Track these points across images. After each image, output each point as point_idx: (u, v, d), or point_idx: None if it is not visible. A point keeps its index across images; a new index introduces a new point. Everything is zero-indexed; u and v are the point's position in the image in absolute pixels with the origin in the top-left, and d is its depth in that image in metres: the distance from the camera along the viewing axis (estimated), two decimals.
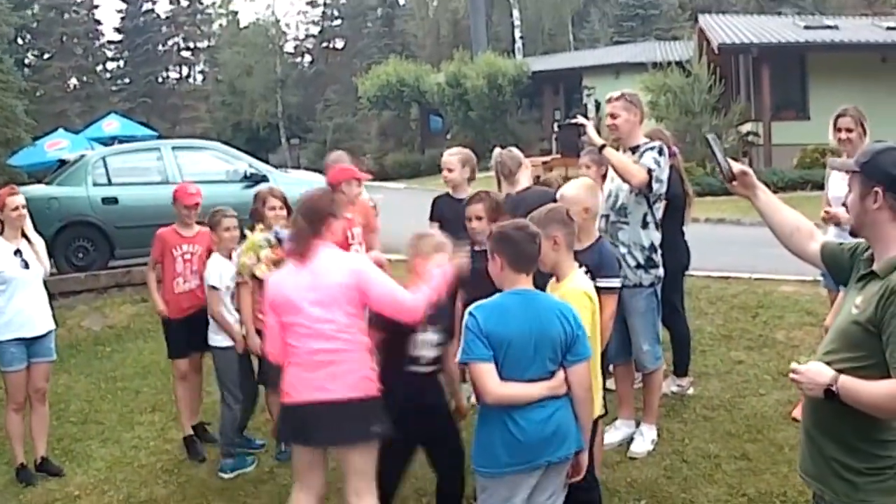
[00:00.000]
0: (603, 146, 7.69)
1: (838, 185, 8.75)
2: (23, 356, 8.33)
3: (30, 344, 8.38)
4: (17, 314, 8.25)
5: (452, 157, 9.08)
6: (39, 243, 8.70)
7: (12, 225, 8.48)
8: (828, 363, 4.13)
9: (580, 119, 7.97)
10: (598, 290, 6.17)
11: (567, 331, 5.29)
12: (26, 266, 8.41)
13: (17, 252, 8.39)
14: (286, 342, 5.99)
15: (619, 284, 6.93)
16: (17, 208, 8.50)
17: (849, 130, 9.12)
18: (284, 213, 7.88)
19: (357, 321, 5.91)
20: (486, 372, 5.19)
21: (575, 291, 5.76)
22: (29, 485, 8.32)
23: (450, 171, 8.98)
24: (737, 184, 4.63)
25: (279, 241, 7.33)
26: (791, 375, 4.24)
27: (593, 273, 6.41)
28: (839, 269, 4.47)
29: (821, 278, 9.00)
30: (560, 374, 5.32)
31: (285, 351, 6.00)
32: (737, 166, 4.61)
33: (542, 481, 5.41)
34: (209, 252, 8.53)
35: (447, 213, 8.77)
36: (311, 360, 5.87)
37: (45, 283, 8.66)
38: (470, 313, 5.29)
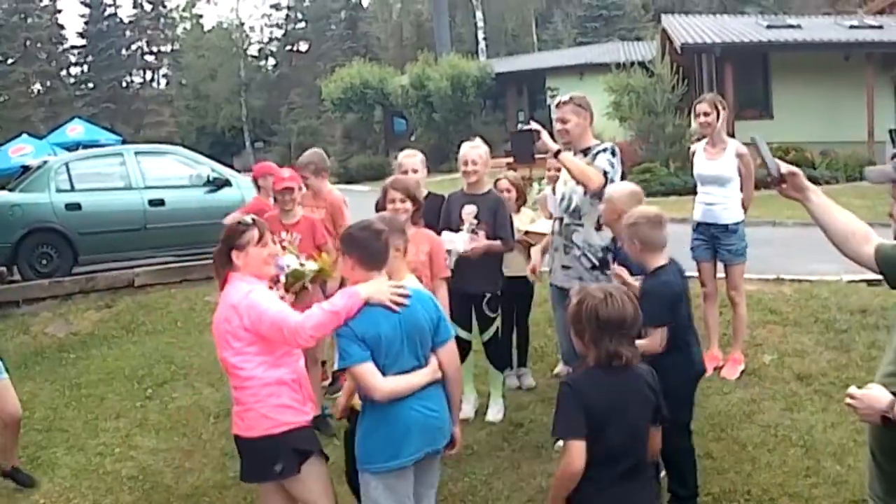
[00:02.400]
0: (558, 151, 7.73)
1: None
2: None
3: None
4: None
5: (412, 158, 9.13)
6: None
7: None
8: (887, 385, 4.00)
9: (534, 125, 7.96)
10: None
11: (432, 316, 5.50)
12: None
13: None
14: None
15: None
16: None
17: (706, 114, 9.48)
18: (408, 205, 7.43)
19: (252, 357, 5.73)
20: (369, 372, 5.29)
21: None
22: None
23: (414, 171, 9.02)
24: (786, 186, 4.48)
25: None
26: (847, 400, 4.11)
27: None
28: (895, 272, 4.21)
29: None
30: (433, 360, 5.50)
31: None
32: (785, 167, 4.46)
33: (425, 471, 5.64)
34: (314, 240, 8.63)
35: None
36: (233, 395, 5.92)
37: (5, 291, 8.58)
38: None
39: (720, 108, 9.56)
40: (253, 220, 6.11)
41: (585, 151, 7.83)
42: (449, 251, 8.24)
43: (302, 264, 8.11)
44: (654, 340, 6.24)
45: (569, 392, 4.83)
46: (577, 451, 4.69)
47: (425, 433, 5.47)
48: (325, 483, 5.99)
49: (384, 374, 5.32)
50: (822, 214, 4.46)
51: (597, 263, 7.79)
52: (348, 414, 6.27)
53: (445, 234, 8.45)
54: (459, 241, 8.40)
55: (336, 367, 5.54)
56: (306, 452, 5.80)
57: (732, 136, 25.00)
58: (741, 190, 9.57)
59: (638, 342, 5.35)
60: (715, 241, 9.38)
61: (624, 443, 4.78)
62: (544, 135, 7.82)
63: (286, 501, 5.98)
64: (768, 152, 4.54)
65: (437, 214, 8.76)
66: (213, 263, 6.08)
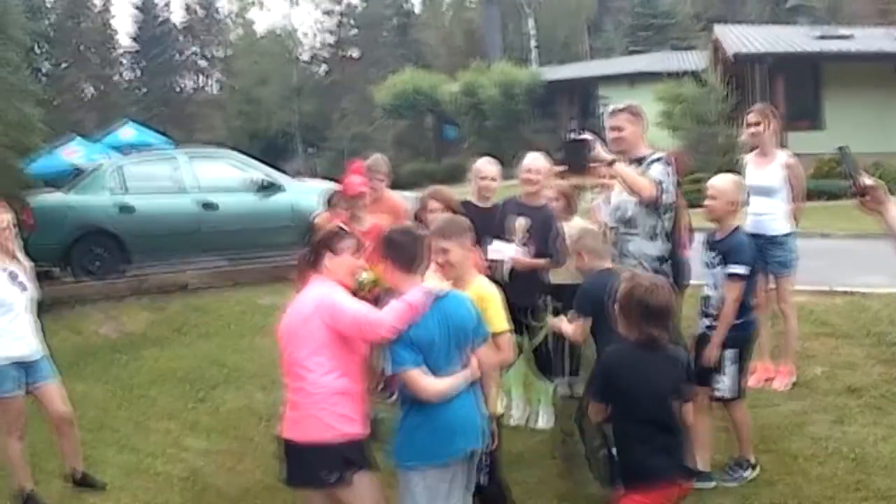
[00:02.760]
0: (612, 161, 7.69)
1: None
2: (22, 381, 7.97)
3: (28, 368, 8.02)
4: (15, 338, 7.91)
5: (493, 166, 9.16)
6: (27, 265, 8.32)
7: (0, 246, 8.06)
8: None
9: (587, 135, 7.93)
10: (727, 275, 7.04)
11: (473, 317, 5.71)
12: (24, 288, 8.10)
13: (13, 274, 8.03)
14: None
15: (744, 271, 7.17)
16: (6, 227, 8.04)
17: (756, 125, 9.43)
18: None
19: (325, 362, 5.79)
20: (420, 375, 5.49)
21: (485, 291, 6.26)
22: None
23: (493, 179, 9.05)
24: (868, 199, 4.54)
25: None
26: None
27: (725, 259, 7.17)
28: None
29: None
30: (474, 359, 5.67)
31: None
32: (868, 180, 4.50)
33: (462, 472, 5.77)
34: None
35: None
36: (288, 398, 5.94)
37: (58, 291, 8.56)
38: None
39: (769, 118, 9.49)
40: (349, 230, 6.31)
41: (640, 161, 7.77)
42: (497, 260, 8.31)
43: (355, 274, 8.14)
44: (576, 329, 7.23)
45: (604, 364, 5.96)
46: (595, 409, 5.96)
47: (467, 432, 5.63)
48: (375, 493, 6.04)
49: (434, 375, 5.48)
50: None
51: (651, 271, 7.76)
52: None
53: (496, 242, 8.47)
54: (509, 251, 8.42)
55: (388, 371, 5.54)
56: (357, 464, 5.82)
57: (784, 146, 24.83)
58: (792, 201, 9.50)
59: (563, 327, 7.28)
60: (764, 252, 9.29)
61: (649, 410, 5.60)
62: (598, 144, 7.80)
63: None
64: (853, 164, 4.59)
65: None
66: (298, 261, 6.18)
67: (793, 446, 8.04)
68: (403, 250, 5.73)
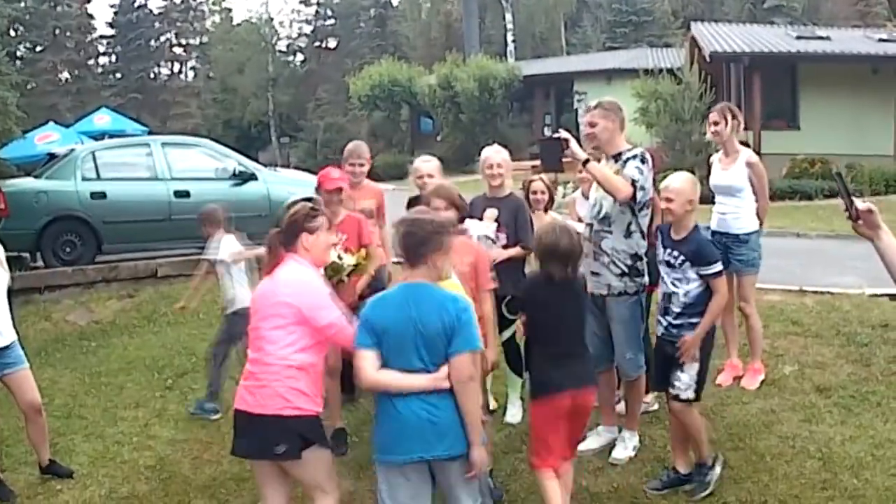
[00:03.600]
0: (586, 161, 7.69)
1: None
2: None
3: None
4: None
5: (429, 164, 9.15)
6: None
7: None
8: None
9: (563, 133, 7.92)
10: (705, 277, 7.02)
11: (446, 322, 5.44)
12: None
13: None
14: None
15: (718, 269, 7.14)
16: None
17: (715, 123, 9.39)
18: (451, 214, 7.32)
19: (286, 336, 5.87)
20: (364, 358, 5.48)
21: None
22: (4, 501, 8.02)
23: (430, 176, 9.02)
24: (861, 223, 4.56)
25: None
26: None
27: (692, 263, 7.09)
28: None
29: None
30: (444, 368, 5.46)
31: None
32: (863, 205, 4.52)
33: (439, 481, 5.65)
34: (359, 240, 8.54)
35: None
36: (246, 370, 5.99)
37: (28, 277, 8.48)
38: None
39: (729, 117, 9.44)
40: (319, 207, 6.36)
41: (616, 157, 7.77)
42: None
43: (340, 258, 8.12)
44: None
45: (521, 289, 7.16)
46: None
47: (419, 436, 5.46)
48: (328, 469, 6.11)
49: (386, 366, 5.46)
50: (889, 254, 4.54)
51: (626, 270, 7.73)
52: None
53: (467, 221, 8.46)
54: (479, 228, 8.43)
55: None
56: (309, 440, 5.86)
57: (759, 146, 24.75)
58: (756, 200, 9.50)
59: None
60: (728, 250, 9.27)
61: (548, 332, 6.65)
62: (573, 143, 7.77)
63: (281, 478, 6.04)
64: (848, 189, 4.61)
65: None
66: (268, 242, 6.18)
67: (761, 444, 8.06)
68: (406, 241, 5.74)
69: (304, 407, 5.86)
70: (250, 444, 5.92)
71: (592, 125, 7.85)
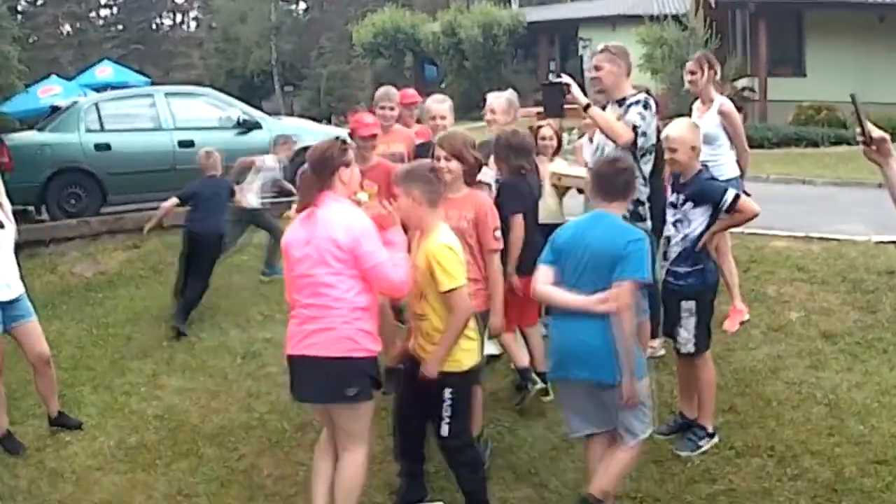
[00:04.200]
0: (587, 106, 7.71)
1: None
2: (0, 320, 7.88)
3: (6, 307, 7.87)
4: None
5: (443, 104, 9.16)
6: (6, 203, 8.23)
7: None
8: None
9: (564, 78, 7.91)
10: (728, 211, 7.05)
11: (615, 251, 5.83)
12: (1, 226, 7.96)
13: None
14: (292, 294, 6.07)
15: (731, 196, 7.05)
16: None
17: (692, 73, 9.41)
18: (453, 165, 7.19)
19: (346, 280, 5.88)
20: (540, 270, 6.15)
21: (438, 246, 5.98)
22: (14, 454, 8.01)
23: (443, 118, 9.05)
24: (874, 149, 4.60)
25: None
26: None
27: (695, 203, 7.13)
28: None
29: None
30: (605, 293, 5.75)
31: (293, 302, 6.07)
32: (877, 132, 4.57)
33: (595, 405, 6.05)
34: (388, 189, 8.37)
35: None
36: (300, 314, 5.95)
37: (34, 230, 8.39)
38: None
39: (706, 67, 9.41)
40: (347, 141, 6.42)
41: (620, 102, 7.78)
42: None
43: (355, 193, 8.08)
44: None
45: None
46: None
47: (574, 357, 5.96)
48: (371, 417, 6.16)
49: (560, 284, 6.05)
50: (894, 182, 4.61)
51: (627, 215, 7.72)
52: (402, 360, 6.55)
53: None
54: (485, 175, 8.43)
55: None
56: (378, 382, 6.02)
57: (765, 93, 24.59)
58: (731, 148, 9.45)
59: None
60: None
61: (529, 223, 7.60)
62: (574, 88, 7.78)
63: (331, 425, 6.14)
64: (862, 113, 4.65)
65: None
66: (303, 182, 6.24)
67: (767, 390, 8.09)
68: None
69: (371, 347, 5.97)
70: (319, 390, 5.97)
71: (598, 69, 7.87)
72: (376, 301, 6.10)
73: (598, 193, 6.22)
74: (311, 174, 6.09)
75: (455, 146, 7.03)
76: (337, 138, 6.35)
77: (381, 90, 10.18)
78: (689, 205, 7.12)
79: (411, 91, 10.74)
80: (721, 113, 9.35)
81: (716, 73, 9.51)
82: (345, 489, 6.03)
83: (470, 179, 7.12)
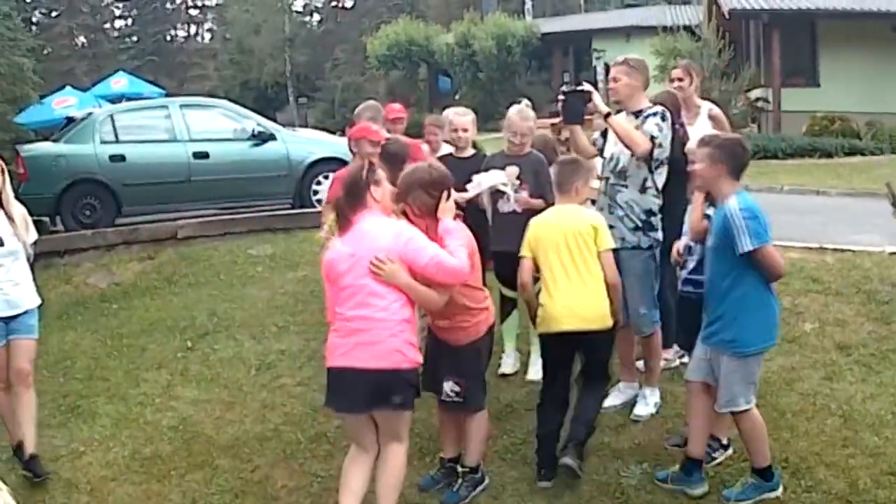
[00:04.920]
0: (608, 114, 7.72)
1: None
2: (2, 333, 7.76)
3: (8, 321, 7.77)
4: None
5: (465, 117, 9.23)
6: (21, 213, 8.06)
7: None
8: None
9: (586, 86, 7.94)
10: None
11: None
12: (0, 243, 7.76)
13: None
14: (334, 308, 6.18)
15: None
16: None
17: (679, 80, 9.58)
18: None
19: (393, 291, 6.04)
20: (776, 250, 6.43)
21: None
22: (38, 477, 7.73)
23: (465, 130, 9.11)
24: None
25: None
26: None
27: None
28: None
29: None
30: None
31: (334, 316, 6.18)
32: None
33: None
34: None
35: (452, 171, 8.97)
36: (345, 327, 6.07)
37: (48, 241, 8.26)
38: (742, 208, 6.31)
39: (693, 74, 9.64)
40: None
41: (637, 114, 7.82)
42: (477, 194, 8.55)
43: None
44: None
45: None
46: None
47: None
48: (410, 418, 6.44)
49: None
50: None
51: (639, 225, 7.75)
52: None
53: (475, 176, 8.52)
54: (490, 178, 8.47)
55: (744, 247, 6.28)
56: (418, 390, 6.26)
57: (779, 104, 24.61)
58: None
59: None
60: None
61: None
62: (595, 96, 7.82)
63: (371, 425, 6.29)
64: None
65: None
66: (339, 204, 6.34)
67: (782, 401, 8.07)
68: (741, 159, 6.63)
69: (415, 358, 6.16)
70: (362, 399, 6.09)
71: (616, 80, 7.90)
72: (415, 314, 6.29)
73: (733, 173, 6.53)
74: (343, 199, 6.24)
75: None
76: (365, 161, 6.63)
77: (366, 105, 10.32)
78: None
79: (397, 105, 10.73)
80: (712, 118, 9.45)
81: (699, 84, 9.76)
82: (391, 481, 6.27)
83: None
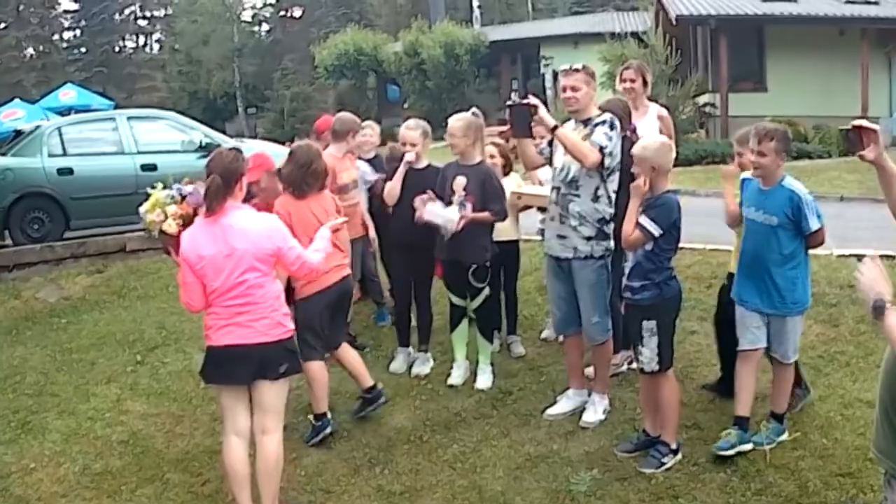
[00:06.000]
0: (555, 127, 7.70)
1: None
2: None
3: None
4: None
5: (414, 131, 9.23)
6: None
7: None
8: None
9: (532, 99, 7.89)
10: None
11: None
12: None
13: None
14: (205, 292, 6.43)
15: (653, 229, 7.10)
16: None
17: (632, 81, 9.63)
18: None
19: (266, 276, 6.48)
20: None
21: None
22: None
23: (413, 145, 9.14)
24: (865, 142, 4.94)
25: (182, 197, 7.19)
26: (859, 267, 4.30)
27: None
28: None
29: None
30: None
31: (205, 301, 6.45)
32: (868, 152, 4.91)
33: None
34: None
35: (408, 183, 9.07)
36: (226, 310, 6.39)
37: None
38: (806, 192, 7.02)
39: (643, 75, 9.72)
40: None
41: (586, 122, 7.82)
42: (440, 226, 8.69)
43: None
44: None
45: None
46: None
47: None
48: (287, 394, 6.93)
49: None
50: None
51: (593, 234, 7.75)
52: None
53: (437, 207, 8.59)
54: (452, 216, 8.55)
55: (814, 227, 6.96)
56: (297, 356, 6.76)
57: (726, 109, 24.76)
58: None
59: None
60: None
61: None
62: (541, 109, 7.77)
63: (247, 401, 6.66)
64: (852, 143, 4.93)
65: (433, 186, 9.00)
66: (212, 191, 6.44)
67: (730, 405, 8.08)
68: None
69: (291, 327, 6.73)
70: (248, 371, 6.49)
71: (575, 89, 7.84)
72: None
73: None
74: (218, 181, 6.43)
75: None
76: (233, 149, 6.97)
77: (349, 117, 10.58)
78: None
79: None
80: (660, 118, 9.55)
81: (649, 84, 9.81)
82: (272, 468, 6.68)
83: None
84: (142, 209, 7.32)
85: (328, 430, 8.10)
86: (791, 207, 6.93)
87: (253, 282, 6.36)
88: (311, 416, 8.19)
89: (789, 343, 7.30)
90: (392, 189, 9.21)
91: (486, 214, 8.68)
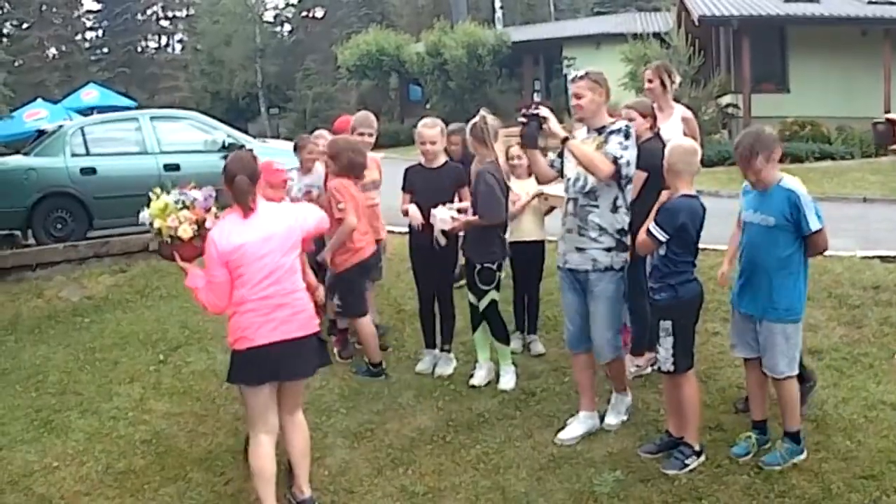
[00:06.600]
0: (566, 139, 7.57)
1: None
2: None
3: None
4: None
5: (433, 129, 9.22)
6: None
7: None
8: None
9: (542, 111, 7.74)
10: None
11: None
12: None
13: None
14: (232, 290, 6.51)
15: (661, 236, 7.14)
16: None
17: (650, 81, 9.60)
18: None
19: (296, 261, 6.74)
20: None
21: None
22: None
23: (432, 143, 9.13)
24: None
25: (193, 201, 7.14)
26: None
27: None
28: None
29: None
30: None
31: (230, 300, 6.52)
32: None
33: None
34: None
35: (419, 183, 9.09)
36: (263, 304, 6.46)
37: (20, 255, 8.34)
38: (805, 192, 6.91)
39: (666, 77, 9.61)
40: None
41: (600, 130, 7.62)
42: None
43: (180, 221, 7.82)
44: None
45: None
46: None
47: None
48: None
49: None
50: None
51: (612, 245, 7.58)
52: None
53: (439, 210, 8.69)
54: (443, 216, 8.80)
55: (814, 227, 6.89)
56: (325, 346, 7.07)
57: (749, 110, 24.68)
58: None
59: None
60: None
61: None
62: (552, 121, 7.59)
63: (277, 422, 6.80)
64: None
65: (457, 181, 9.38)
66: (245, 191, 6.61)
67: None
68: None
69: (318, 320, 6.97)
70: (300, 365, 6.75)
71: (579, 97, 7.66)
72: None
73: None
74: (245, 180, 6.62)
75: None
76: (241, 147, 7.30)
77: (360, 115, 10.77)
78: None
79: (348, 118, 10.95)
80: (684, 120, 9.49)
81: (673, 84, 9.69)
82: (307, 444, 7.01)
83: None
84: (143, 214, 7.29)
85: (382, 378, 9.49)
86: (789, 207, 6.86)
87: (288, 266, 6.57)
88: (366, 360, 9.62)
89: (777, 355, 7.10)
90: (413, 218, 9.40)
91: (470, 219, 8.85)
